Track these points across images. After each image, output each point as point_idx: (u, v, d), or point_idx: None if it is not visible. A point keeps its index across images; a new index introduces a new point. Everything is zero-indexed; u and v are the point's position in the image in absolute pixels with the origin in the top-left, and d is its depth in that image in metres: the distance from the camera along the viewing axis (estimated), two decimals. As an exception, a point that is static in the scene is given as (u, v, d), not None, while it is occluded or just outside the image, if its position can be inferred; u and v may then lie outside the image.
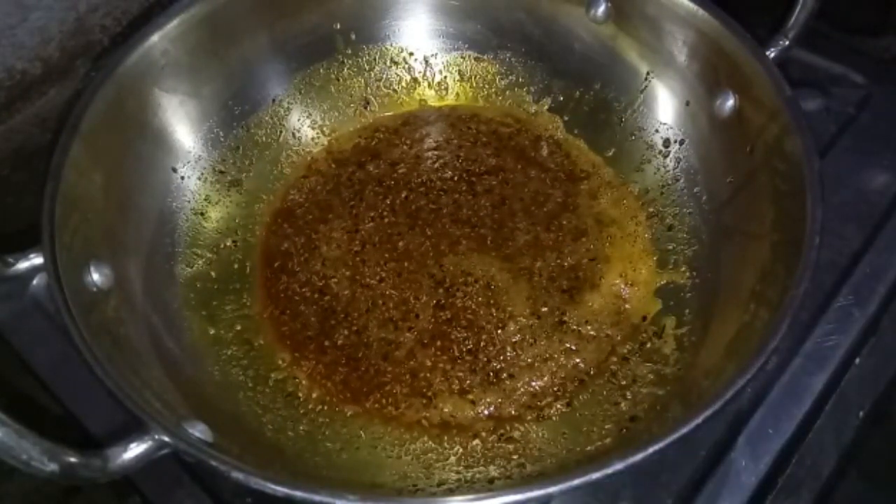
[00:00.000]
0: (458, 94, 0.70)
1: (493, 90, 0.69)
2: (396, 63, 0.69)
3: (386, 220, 0.62)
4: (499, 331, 0.56)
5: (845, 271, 0.57)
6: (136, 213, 0.56)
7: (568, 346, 0.55)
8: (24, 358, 0.56)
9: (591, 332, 0.56)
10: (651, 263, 0.59)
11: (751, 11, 0.57)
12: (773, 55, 0.55)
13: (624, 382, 0.53)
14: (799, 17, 0.57)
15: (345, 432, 0.52)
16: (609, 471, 0.38)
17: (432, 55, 0.69)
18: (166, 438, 0.40)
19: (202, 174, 0.62)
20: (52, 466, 0.37)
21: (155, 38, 0.57)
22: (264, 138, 0.65)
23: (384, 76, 0.69)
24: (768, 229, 0.50)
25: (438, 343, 0.56)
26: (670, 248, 0.59)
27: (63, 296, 0.45)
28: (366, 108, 0.69)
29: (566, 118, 0.67)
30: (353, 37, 0.67)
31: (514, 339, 0.55)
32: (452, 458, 0.50)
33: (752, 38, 0.54)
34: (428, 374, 0.54)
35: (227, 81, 0.63)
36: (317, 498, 0.38)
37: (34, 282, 0.56)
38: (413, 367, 0.55)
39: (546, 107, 0.68)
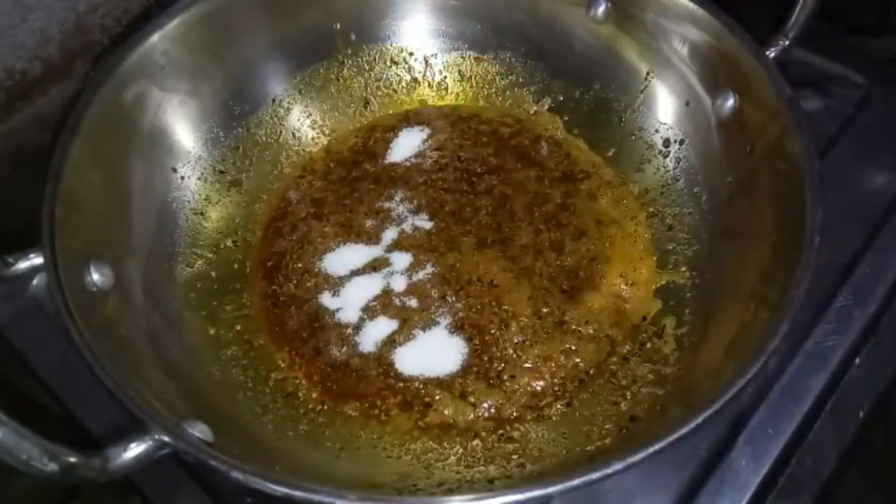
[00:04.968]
0: (458, 94, 0.70)
1: (493, 90, 0.69)
2: (396, 63, 0.69)
3: (386, 219, 0.62)
4: (501, 331, 0.56)
5: (845, 271, 0.57)
6: (136, 213, 0.56)
7: (568, 346, 0.55)
8: (24, 358, 0.56)
9: (591, 332, 0.56)
10: (651, 263, 0.58)
11: (751, 11, 0.57)
12: (773, 55, 0.55)
13: (624, 382, 0.53)
14: (799, 17, 0.57)
15: (345, 432, 0.52)
16: (609, 471, 0.38)
17: (432, 55, 0.69)
18: (166, 438, 0.40)
19: (202, 174, 0.62)
20: (52, 466, 0.37)
21: (155, 38, 0.57)
22: (264, 138, 0.65)
23: (384, 76, 0.69)
24: (768, 229, 0.50)
25: (438, 343, 0.56)
26: (670, 248, 0.59)
27: (63, 296, 0.45)
28: (366, 108, 0.69)
29: (566, 118, 0.67)
30: (353, 37, 0.67)
31: (515, 340, 0.55)
32: (452, 458, 0.50)
33: (752, 38, 0.54)
34: (428, 374, 0.55)
35: (227, 81, 0.63)
36: (317, 498, 0.38)
37: (34, 282, 0.56)
38: (413, 367, 0.55)
39: (546, 107, 0.68)
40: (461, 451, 0.51)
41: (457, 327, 0.56)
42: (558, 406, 0.53)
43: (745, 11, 0.56)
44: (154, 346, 0.51)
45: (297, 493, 0.38)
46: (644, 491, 0.49)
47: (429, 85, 0.70)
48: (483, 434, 0.52)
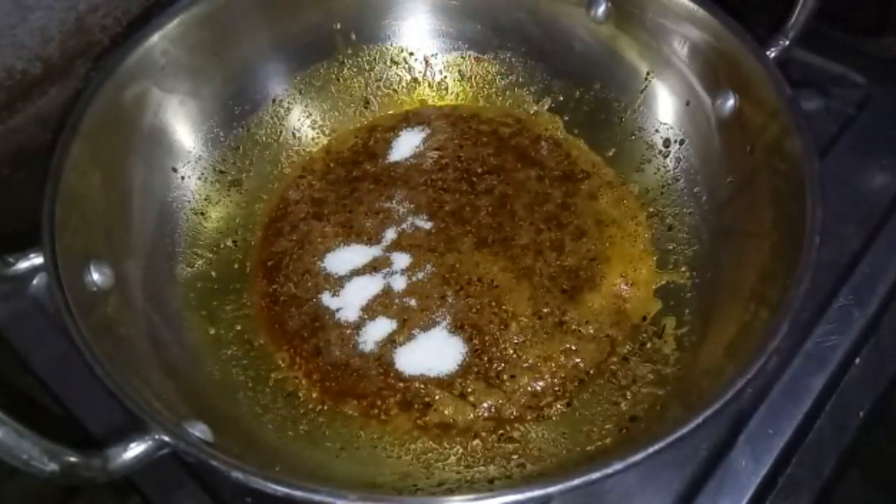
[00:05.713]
0: (458, 94, 0.70)
1: (493, 90, 0.69)
2: (396, 63, 0.69)
3: (386, 219, 0.62)
4: (501, 331, 0.56)
5: (845, 271, 0.57)
6: (136, 213, 0.56)
7: (568, 346, 0.55)
8: (24, 358, 0.56)
9: (591, 332, 0.56)
10: (651, 263, 0.59)
11: (751, 11, 0.57)
12: (773, 55, 0.55)
13: (624, 382, 0.53)
14: (799, 17, 0.57)
15: (345, 432, 0.52)
16: (609, 471, 0.38)
17: (432, 55, 0.69)
18: (166, 438, 0.40)
19: (202, 174, 0.62)
20: (52, 466, 0.37)
21: (155, 38, 0.57)
22: (264, 138, 0.65)
23: (384, 76, 0.69)
24: (768, 229, 0.50)
25: (438, 343, 0.56)
26: (670, 248, 0.59)
27: (63, 296, 0.45)
28: (366, 107, 0.69)
29: (566, 118, 0.67)
30: (353, 37, 0.68)
31: (515, 340, 0.55)
32: (452, 458, 0.50)
33: (752, 38, 0.54)
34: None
35: (227, 81, 0.63)
36: (317, 498, 0.38)
37: (34, 282, 0.56)
38: (413, 367, 0.55)
39: (546, 107, 0.68)
40: (461, 451, 0.51)
41: (457, 327, 0.56)
42: (558, 406, 0.53)
43: (745, 11, 0.56)
44: (154, 346, 0.51)
45: (297, 493, 0.38)
46: (644, 491, 0.49)
47: (429, 85, 0.70)
48: (483, 434, 0.52)
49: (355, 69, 0.68)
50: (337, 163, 0.66)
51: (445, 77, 0.70)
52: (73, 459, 0.38)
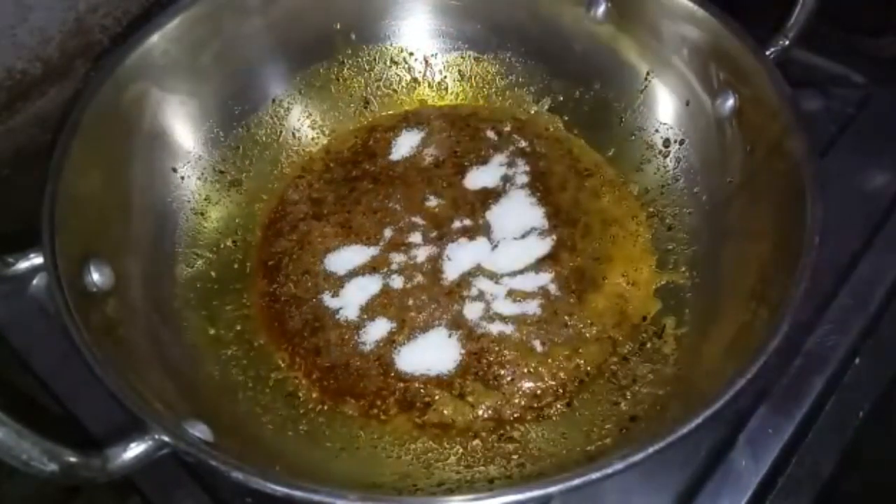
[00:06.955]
0: (458, 94, 0.70)
1: (493, 90, 0.69)
2: (396, 63, 0.69)
3: (386, 219, 0.62)
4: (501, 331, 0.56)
5: (845, 271, 0.57)
6: (136, 213, 0.56)
7: (570, 346, 0.55)
8: (24, 358, 0.56)
9: (593, 332, 0.56)
10: (651, 263, 0.58)
11: (751, 11, 0.57)
12: (773, 55, 0.55)
13: (624, 382, 0.53)
14: (799, 17, 0.57)
15: (345, 432, 0.52)
16: (609, 471, 0.38)
17: (432, 55, 0.69)
18: (166, 438, 0.40)
19: (202, 174, 0.62)
20: (52, 466, 0.37)
21: (155, 38, 0.57)
22: (264, 138, 0.65)
23: (384, 76, 0.69)
24: (768, 229, 0.50)
25: (438, 343, 0.56)
26: (670, 248, 0.59)
27: (63, 296, 0.45)
28: (366, 107, 0.69)
29: (566, 118, 0.67)
30: (353, 37, 0.67)
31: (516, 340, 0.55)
32: (452, 458, 0.50)
33: (752, 38, 0.54)
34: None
35: (227, 81, 0.63)
36: (317, 498, 0.38)
37: (34, 282, 0.56)
38: (413, 367, 0.55)
39: (546, 107, 0.68)
40: (461, 450, 0.51)
41: (456, 327, 0.56)
42: (558, 406, 0.53)
43: (745, 11, 0.56)
44: (154, 346, 0.51)
45: (297, 493, 0.38)
46: (644, 491, 0.49)
47: (429, 85, 0.70)
48: (483, 434, 0.52)
49: (355, 69, 0.68)
50: (336, 163, 0.66)
51: (445, 77, 0.70)
52: (73, 459, 0.38)
